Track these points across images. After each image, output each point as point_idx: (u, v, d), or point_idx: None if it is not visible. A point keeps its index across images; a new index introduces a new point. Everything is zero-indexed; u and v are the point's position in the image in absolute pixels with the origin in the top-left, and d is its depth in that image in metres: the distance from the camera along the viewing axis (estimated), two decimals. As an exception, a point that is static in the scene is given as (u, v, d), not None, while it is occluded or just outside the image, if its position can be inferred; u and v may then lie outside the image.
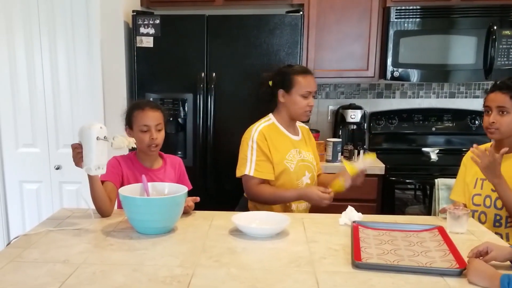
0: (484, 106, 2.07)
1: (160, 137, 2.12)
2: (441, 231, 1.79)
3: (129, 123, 2.14)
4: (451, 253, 1.57)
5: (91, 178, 1.89)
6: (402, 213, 3.07)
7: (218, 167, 3.06)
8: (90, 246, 1.68)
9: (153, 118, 2.10)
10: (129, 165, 2.13)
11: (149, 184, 1.98)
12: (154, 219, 1.79)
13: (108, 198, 1.99)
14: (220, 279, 1.42)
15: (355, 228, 1.82)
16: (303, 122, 2.53)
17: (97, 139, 1.80)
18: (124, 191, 1.85)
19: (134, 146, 1.91)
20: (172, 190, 1.94)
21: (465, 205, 2.13)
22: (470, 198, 2.14)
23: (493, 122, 2.00)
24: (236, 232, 1.82)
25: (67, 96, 3.19)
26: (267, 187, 2.27)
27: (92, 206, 1.97)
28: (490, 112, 2.03)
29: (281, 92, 2.31)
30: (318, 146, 3.16)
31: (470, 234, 1.82)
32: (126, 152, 2.25)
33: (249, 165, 2.27)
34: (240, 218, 1.87)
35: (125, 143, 1.87)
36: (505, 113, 1.98)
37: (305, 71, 2.31)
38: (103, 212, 1.98)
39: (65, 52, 3.14)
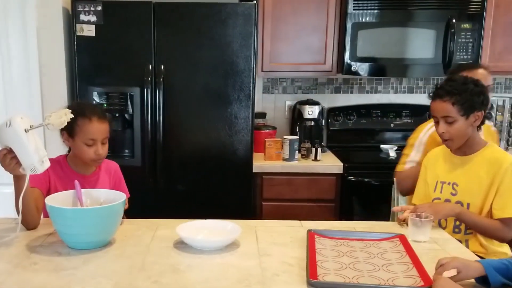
0: (432, 116, 1.95)
1: (105, 150, 1.89)
2: (403, 240, 1.66)
3: (70, 130, 1.83)
4: (415, 267, 1.44)
5: (20, 180, 1.63)
6: (362, 213, 2.96)
7: (169, 166, 2.86)
8: (9, 267, 1.47)
9: (100, 131, 1.86)
10: (56, 170, 1.89)
11: (83, 191, 1.76)
12: (88, 233, 1.60)
13: (36, 207, 1.76)
14: (157, 306, 1.24)
15: (311, 238, 1.67)
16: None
17: (25, 131, 1.54)
18: (52, 200, 1.63)
19: (72, 116, 1.62)
20: (109, 198, 1.73)
21: None
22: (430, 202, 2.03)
23: (443, 133, 1.88)
24: (182, 244, 1.65)
25: (0, 89, 2.90)
26: None
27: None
28: (437, 121, 1.90)
29: None
30: (274, 144, 3.03)
31: (433, 243, 1.70)
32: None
33: None
34: (185, 229, 1.69)
35: (62, 117, 1.59)
36: (452, 122, 1.85)
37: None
38: (29, 223, 1.75)
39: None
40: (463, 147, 1.92)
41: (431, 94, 1.92)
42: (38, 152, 1.58)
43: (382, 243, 1.65)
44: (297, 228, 1.86)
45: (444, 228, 1.93)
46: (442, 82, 1.91)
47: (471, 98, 1.82)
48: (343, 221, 2.00)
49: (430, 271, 1.38)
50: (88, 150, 1.85)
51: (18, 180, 1.65)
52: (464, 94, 1.82)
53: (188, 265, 1.51)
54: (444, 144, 1.95)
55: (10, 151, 1.57)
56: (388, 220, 2.68)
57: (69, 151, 1.98)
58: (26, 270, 1.45)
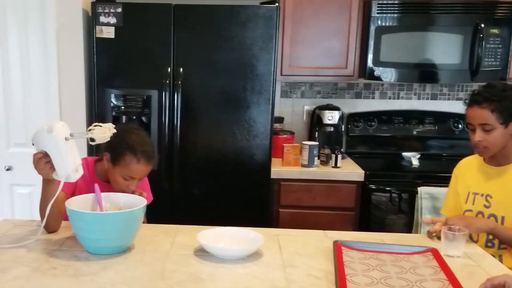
0: (466, 122, 1.85)
1: (138, 185, 1.86)
2: (435, 254, 1.58)
3: (115, 157, 1.80)
4: (451, 284, 1.36)
5: (50, 185, 1.61)
6: (383, 222, 2.88)
7: (185, 170, 2.81)
8: (28, 270, 1.42)
9: (143, 173, 1.85)
10: (84, 174, 1.85)
11: (103, 194, 1.71)
12: (107, 238, 1.55)
13: (59, 210, 1.72)
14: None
15: (338, 250, 1.60)
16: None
17: (66, 139, 1.52)
18: (72, 203, 1.58)
19: (115, 131, 1.59)
20: (129, 202, 1.68)
21: None
22: (461, 213, 1.94)
23: (479, 141, 1.79)
24: (202, 252, 1.59)
25: (19, 91, 2.87)
26: None
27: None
28: (473, 129, 1.81)
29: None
30: (293, 149, 2.97)
31: (467, 258, 1.62)
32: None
33: None
34: (206, 236, 1.63)
35: (106, 133, 1.57)
36: (490, 129, 1.77)
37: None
38: (51, 227, 1.71)
39: (17, 42, 2.81)
40: (498, 157, 1.84)
41: (467, 100, 1.83)
42: (75, 160, 1.57)
43: (414, 257, 1.57)
44: (322, 238, 1.79)
45: (475, 242, 1.84)
46: (480, 88, 1.82)
47: (511, 106, 1.74)
48: (369, 232, 1.92)
49: (468, 288, 1.31)
50: (123, 182, 1.82)
51: (47, 184, 1.63)
52: (504, 101, 1.73)
53: (209, 274, 1.44)
54: (477, 152, 1.86)
55: (45, 155, 1.55)
56: (410, 230, 2.61)
57: (100, 158, 1.93)
58: (45, 274, 1.40)
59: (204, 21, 2.70)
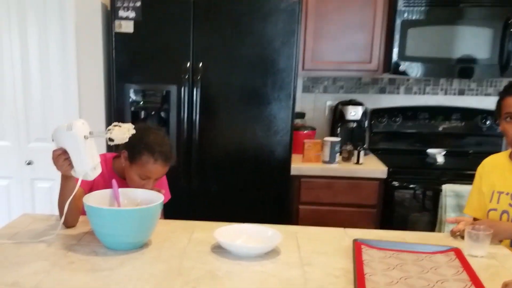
0: (504, 112, 1.75)
1: (154, 184, 1.86)
2: (458, 254, 1.53)
3: (132, 156, 1.79)
4: (473, 285, 1.32)
5: (68, 181, 1.62)
6: (406, 220, 2.81)
7: (203, 166, 2.80)
8: (47, 265, 1.43)
9: (160, 173, 1.85)
10: (102, 168, 1.85)
11: (120, 190, 1.71)
12: (124, 234, 1.54)
13: (77, 206, 1.72)
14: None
15: (357, 248, 1.56)
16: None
17: (85, 138, 1.52)
18: (90, 199, 1.58)
19: (134, 132, 1.58)
20: (146, 198, 1.67)
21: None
22: (485, 213, 1.88)
23: None
24: (219, 249, 1.57)
25: (38, 85, 2.91)
26: None
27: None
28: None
29: None
30: (314, 146, 2.93)
31: (491, 258, 1.56)
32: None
33: None
34: (223, 233, 1.61)
35: (125, 133, 1.56)
36: None
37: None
38: (69, 222, 1.72)
39: (37, 37, 2.85)
40: None
41: (503, 90, 1.76)
42: (93, 158, 1.57)
43: (436, 257, 1.53)
44: (341, 236, 1.75)
45: (500, 242, 1.78)
46: None
47: None
48: (391, 231, 1.87)
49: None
50: (139, 181, 1.82)
51: (66, 180, 1.64)
52: None
53: (226, 271, 1.42)
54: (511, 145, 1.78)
55: (64, 152, 1.56)
56: (433, 230, 2.55)
57: (118, 155, 1.93)
58: (64, 269, 1.40)
59: (224, 15, 2.67)
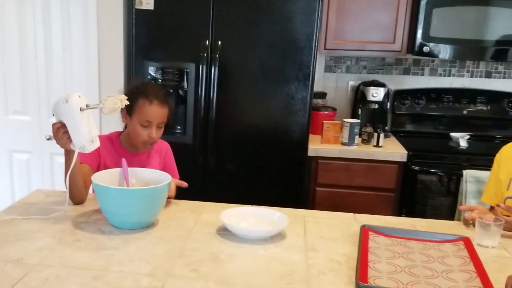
0: None
1: (159, 135, 1.87)
2: (467, 243, 1.49)
3: (130, 108, 1.81)
4: (479, 277, 1.28)
5: (70, 156, 1.63)
6: (425, 206, 2.76)
7: (220, 145, 2.79)
8: (53, 242, 1.45)
9: (158, 115, 1.84)
10: (108, 146, 1.88)
11: (130, 170, 1.72)
12: (131, 213, 1.55)
13: (84, 183, 1.74)
14: (192, 297, 1.17)
15: (364, 234, 1.53)
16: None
17: (81, 110, 1.54)
18: (99, 178, 1.60)
19: (127, 103, 1.60)
20: (155, 178, 1.68)
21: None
22: (502, 201, 1.82)
23: None
24: (225, 231, 1.57)
25: (60, 62, 2.95)
26: None
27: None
28: None
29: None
30: (333, 127, 2.88)
31: (501, 249, 1.52)
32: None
33: None
34: (230, 215, 1.61)
35: (117, 103, 1.57)
36: None
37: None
38: (76, 198, 1.74)
39: (59, 13, 2.87)
40: None
41: None
42: (90, 131, 1.58)
43: (444, 246, 1.49)
44: (350, 222, 1.73)
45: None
46: None
47: None
48: (401, 217, 1.83)
49: (497, 282, 1.22)
50: (142, 131, 1.83)
51: (68, 155, 1.65)
52: None
53: (229, 254, 1.42)
54: None
55: (63, 125, 1.57)
56: (453, 216, 2.48)
57: (124, 128, 1.95)
58: (69, 246, 1.42)
59: (244, -7, 2.63)
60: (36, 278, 1.23)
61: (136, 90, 1.83)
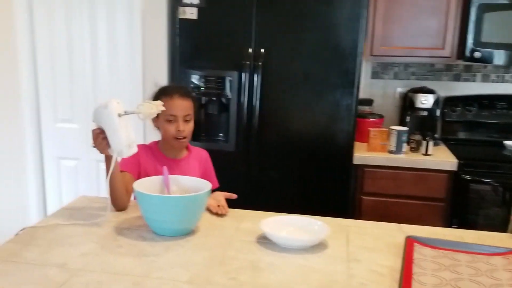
0: None
1: (188, 128, 1.89)
2: (519, 257, 1.41)
3: None
4: (532, 294, 1.20)
5: (109, 161, 1.68)
6: (476, 217, 2.64)
7: (263, 153, 2.78)
8: (96, 247, 1.48)
9: (181, 107, 1.87)
10: (148, 154, 1.91)
11: (171, 177, 1.73)
12: (171, 220, 1.56)
13: (125, 190, 1.77)
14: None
15: (409, 245, 1.48)
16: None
17: (119, 116, 1.58)
18: (140, 185, 1.62)
19: (163, 108, 1.65)
20: (195, 186, 1.68)
21: None
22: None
23: None
24: (265, 240, 1.55)
25: (106, 71, 3.05)
26: None
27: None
28: None
29: None
30: (380, 134, 2.82)
31: (559, 265, 1.42)
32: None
33: None
34: (270, 224, 1.59)
35: (153, 109, 1.62)
36: None
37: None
38: (118, 204, 1.77)
39: (105, 24, 2.98)
40: None
41: None
42: (128, 136, 1.62)
43: (493, 259, 1.41)
44: (395, 232, 1.67)
45: None
46: None
47: None
48: (449, 228, 1.76)
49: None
50: (169, 127, 1.87)
51: (107, 160, 1.70)
52: None
53: (268, 263, 1.40)
54: None
55: (102, 131, 1.62)
56: (506, 228, 2.36)
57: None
58: (112, 252, 1.44)
59: (287, 0, 2.62)
60: (78, 283, 1.24)
61: (158, 92, 1.90)
